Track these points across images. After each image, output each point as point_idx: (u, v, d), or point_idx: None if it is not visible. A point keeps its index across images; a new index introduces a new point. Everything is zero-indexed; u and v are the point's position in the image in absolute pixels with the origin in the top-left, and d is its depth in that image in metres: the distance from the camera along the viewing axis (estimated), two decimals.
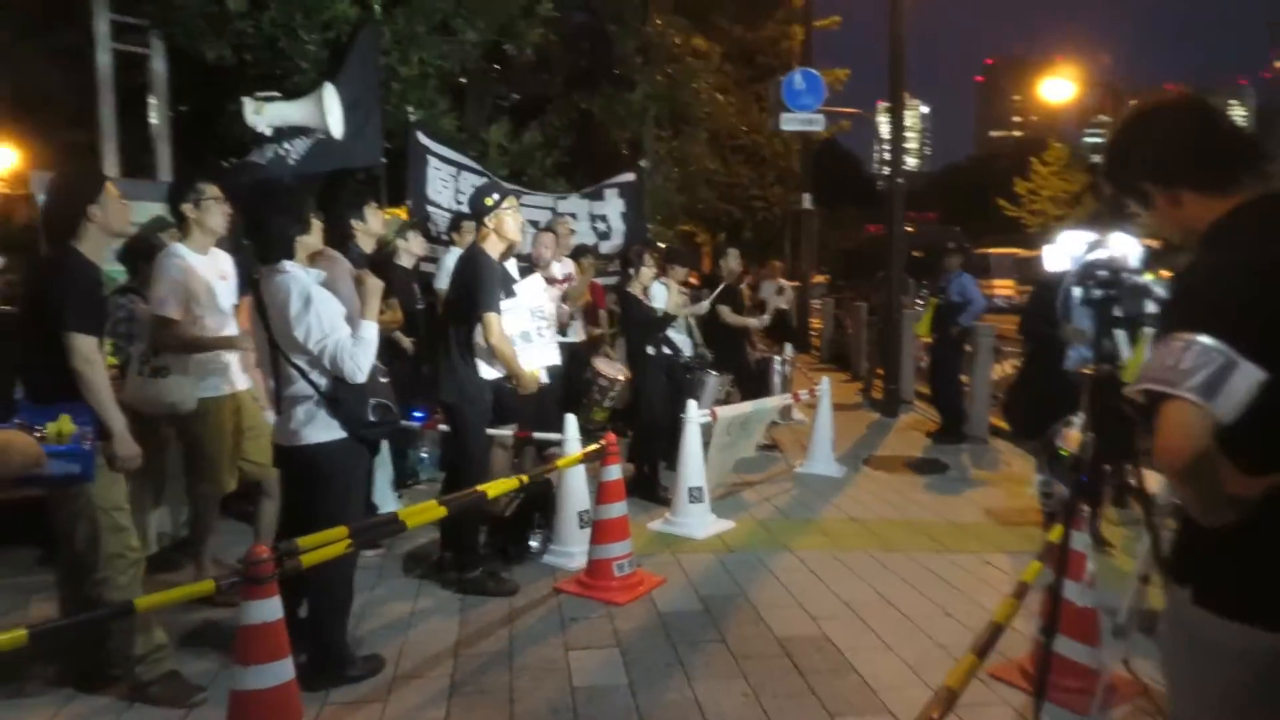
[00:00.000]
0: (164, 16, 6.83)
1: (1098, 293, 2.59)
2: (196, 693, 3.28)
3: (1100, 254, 2.58)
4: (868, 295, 12.63)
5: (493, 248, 4.38)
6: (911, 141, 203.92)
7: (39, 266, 3.40)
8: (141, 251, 4.40)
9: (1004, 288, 25.45)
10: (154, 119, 7.01)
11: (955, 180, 74.48)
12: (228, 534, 4.80)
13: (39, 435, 2.83)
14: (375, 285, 3.40)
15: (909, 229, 19.04)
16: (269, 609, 2.54)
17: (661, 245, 15.35)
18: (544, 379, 4.68)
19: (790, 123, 10.68)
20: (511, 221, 4.37)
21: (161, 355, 3.92)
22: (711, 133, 17.56)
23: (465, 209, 5.91)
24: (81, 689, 3.34)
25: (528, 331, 4.49)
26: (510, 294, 4.41)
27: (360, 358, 3.30)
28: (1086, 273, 2.60)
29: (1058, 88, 55.90)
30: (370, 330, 3.37)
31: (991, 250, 25.44)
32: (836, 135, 32.49)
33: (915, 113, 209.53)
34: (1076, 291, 2.60)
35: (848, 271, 18.60)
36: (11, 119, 10.77)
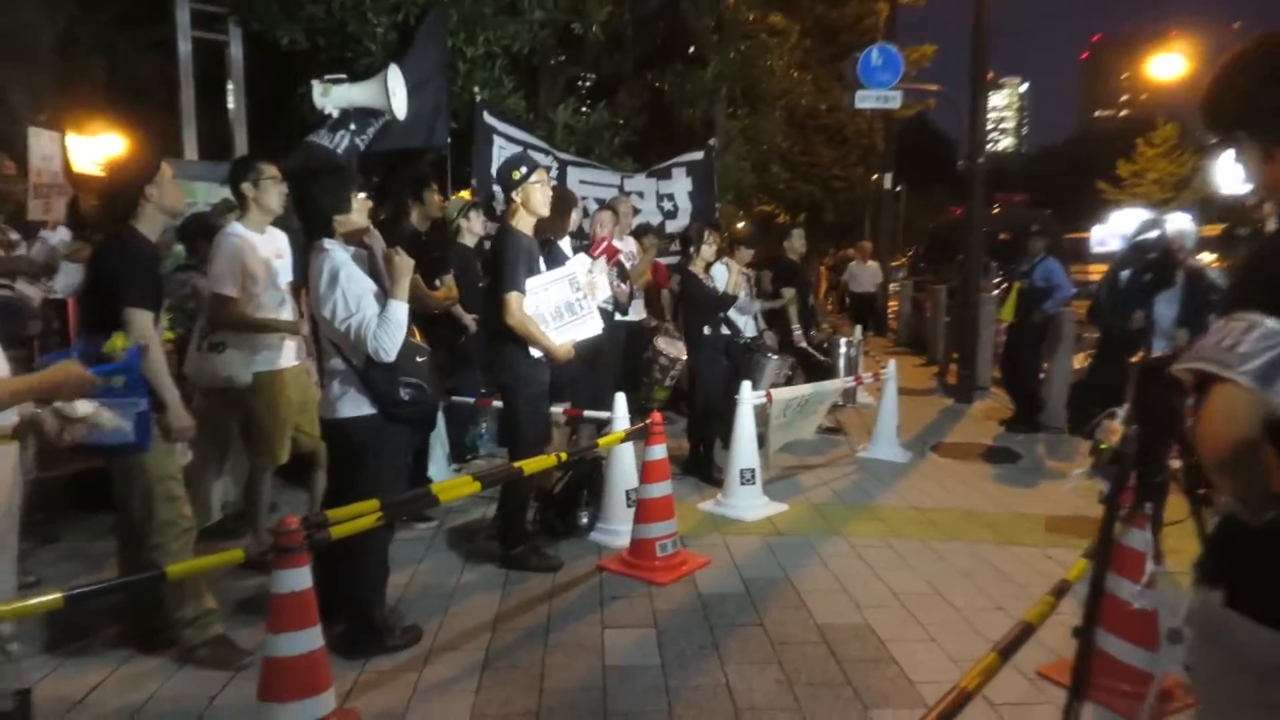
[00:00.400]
0: (241, 4, 7.05)
1: (1148, 276, 2.44)
2: (243, 656, 3.39)
3: (1152, 234, 2.42)
4: (948, 278, 12.25)
5: (522, 223, 4.31)
6: (1008, 121, 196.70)
7: (99, 246, 3.55)
8: (201, 230, 4.55)
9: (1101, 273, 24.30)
10: (231, 104, 7.26)
11: (1054, 161, 71.56)
12: (291, 504, 4.97)
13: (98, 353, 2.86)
14: (405, 264, 3.36)
15: (994, 211, 18.35)
16: (298, 578, 2.59)
17: (739, 226, 15.23)
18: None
19: (866, 100, 10.36)
20: (540, 195, 4.28)
21: (219, 331, 4.06)
22: (789, 111, 17.23)
23: None
24: (141, 650, 3.50)
25: (571, 303, 4.45)
26: (534, 270, 4.33)
27: (384, 338, 3.26)
28: (1136, 254, 2.44)
29: (1168, 64, 52.77)
30: (398, 310, 3.31)
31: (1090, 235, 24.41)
32: (927, 114, 31.55)
33: (1014, 90, 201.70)
34: (1124, 274, 2.45)
35: (928, 253, 17.99)
36: (113, 108, 11.32)
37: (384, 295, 3.35)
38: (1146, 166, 46.85)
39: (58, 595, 2.29)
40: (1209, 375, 1.35)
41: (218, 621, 3.46)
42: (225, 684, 3.26)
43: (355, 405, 3.35)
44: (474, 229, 6.03)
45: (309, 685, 2.64)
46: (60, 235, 4.84)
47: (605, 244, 5.04)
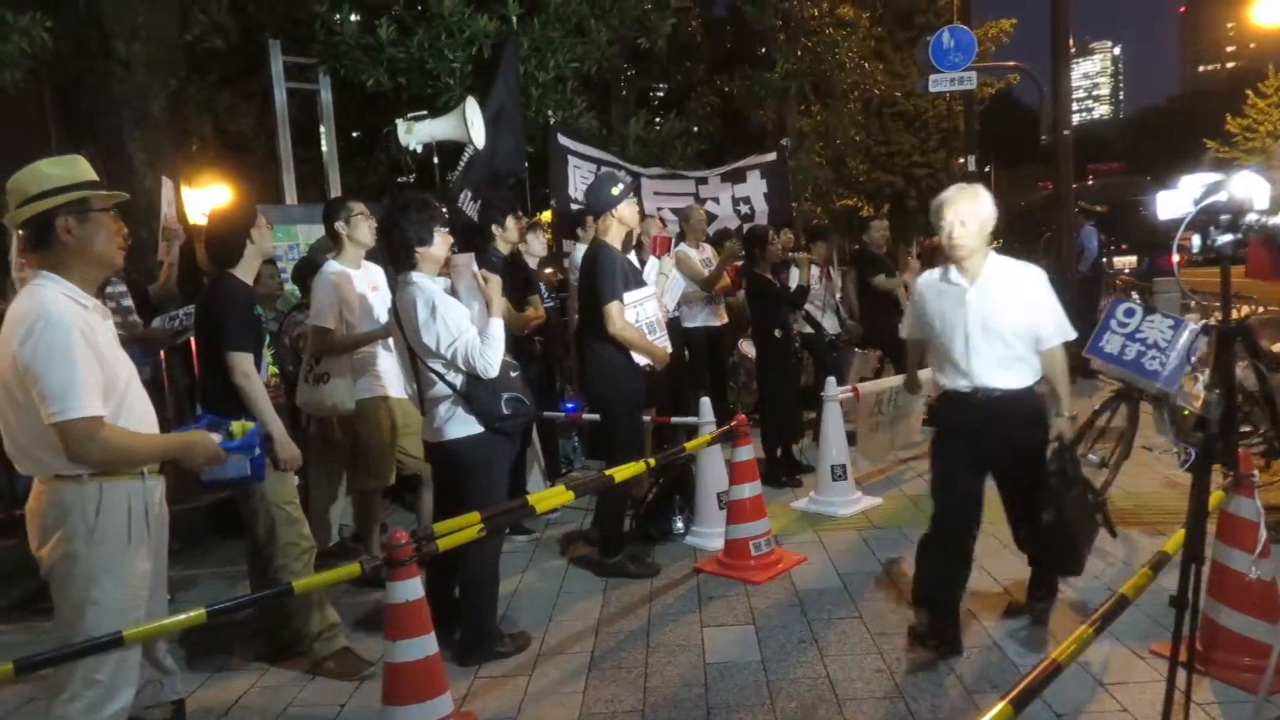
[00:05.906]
0: (328, 53, 7.46)
1: (1223, 238, 2.40)
2: (366, 666, 3.62)
3: (1221, 197, 2.39)
4: (1036, 257, 11.93)
5: (614, 238, 4.46)
6: (1103, 87, 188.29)
7: (203, 292, 3.83)
8: (310, 271, 4.85)
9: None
10: (324, 147, 7.68)
11: (1157, 125, 68.18)
12: (400, 524, 5.23)
13: (227, 431, 3.16)
14: (496, 282, 3.59)
15: (1089, 181, 17.63)
16: (410, 589, 2.78)
17: (817, 222, 15.09)
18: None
19: (940, 84, 10.18)
20: (630, 211, 4.49)
21: (323, 363, 4.34)
22: (864, 102, 16.97)
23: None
24: (275, 664, 3.77)
25: (654, 322, 4.57)
26: (640, 283, 4.50)
27: (490, 354, 3.47)
28: (1207, 218, 2.41)
29: (1276, 7, 49.38)
30: (498, 327, 3.53)
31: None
32: (1013, 90, 30.54)
33: (1106, 55, 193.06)
34: (1195, 240, 2.42)
35: (1019, 232, 17.41)
36: (219, 160, 12.07)
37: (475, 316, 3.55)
38: (1259, 119, 44.08)
39: (201, 611, 2.54)
40: None
41: (342, 634, 3.71)
42: (352, 692, 3.49)
43: (462, 425, 3.54)
44: (533, 250, 6.12)
45: (427, 688, 2.82)
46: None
47: (657, 239, 5.25)
